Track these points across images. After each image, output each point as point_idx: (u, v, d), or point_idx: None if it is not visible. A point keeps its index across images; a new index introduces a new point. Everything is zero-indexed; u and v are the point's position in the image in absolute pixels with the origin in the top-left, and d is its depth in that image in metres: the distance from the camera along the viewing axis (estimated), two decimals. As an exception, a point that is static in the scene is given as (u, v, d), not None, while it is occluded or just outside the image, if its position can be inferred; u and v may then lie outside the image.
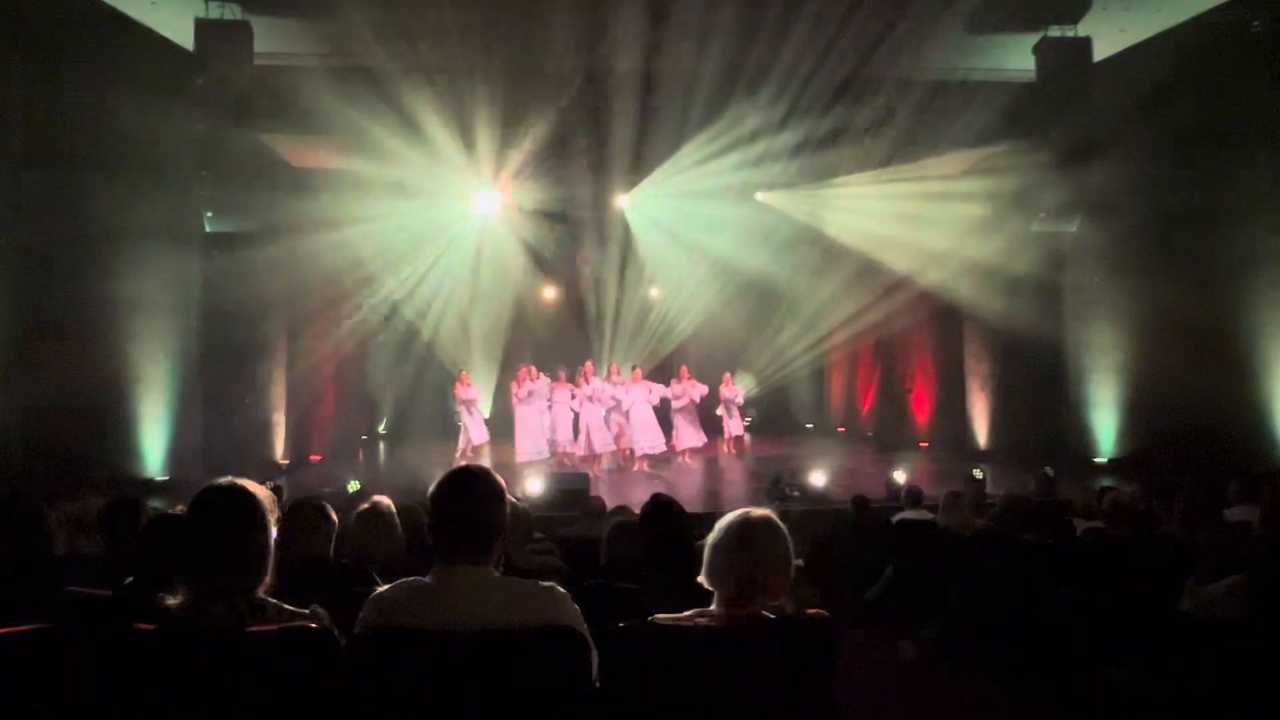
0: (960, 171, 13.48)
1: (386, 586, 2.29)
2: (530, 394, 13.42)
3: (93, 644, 2.14)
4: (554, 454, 13.75)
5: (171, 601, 2.20)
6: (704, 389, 14.24)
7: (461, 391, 13.88)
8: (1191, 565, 3.66)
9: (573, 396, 13.74)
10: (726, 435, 14.92)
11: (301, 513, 3.95)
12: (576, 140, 11.66)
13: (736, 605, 2.36)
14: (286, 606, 2.23)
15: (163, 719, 2.05)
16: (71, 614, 2.58)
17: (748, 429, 17.33)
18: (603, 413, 13.43)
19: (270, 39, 10.41)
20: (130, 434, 10.39)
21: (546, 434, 13.66)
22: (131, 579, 3.14)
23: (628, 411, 13.43)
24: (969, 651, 4.89)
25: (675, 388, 14.03)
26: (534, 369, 13.94)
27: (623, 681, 2.27)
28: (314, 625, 2.17)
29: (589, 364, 14.35)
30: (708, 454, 14.55)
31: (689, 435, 13.96)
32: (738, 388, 15.18)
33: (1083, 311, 12.25)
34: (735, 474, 13.14)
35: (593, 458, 13.32)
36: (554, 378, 14.03)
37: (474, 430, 13.94)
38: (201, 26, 10.08)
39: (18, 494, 3.64)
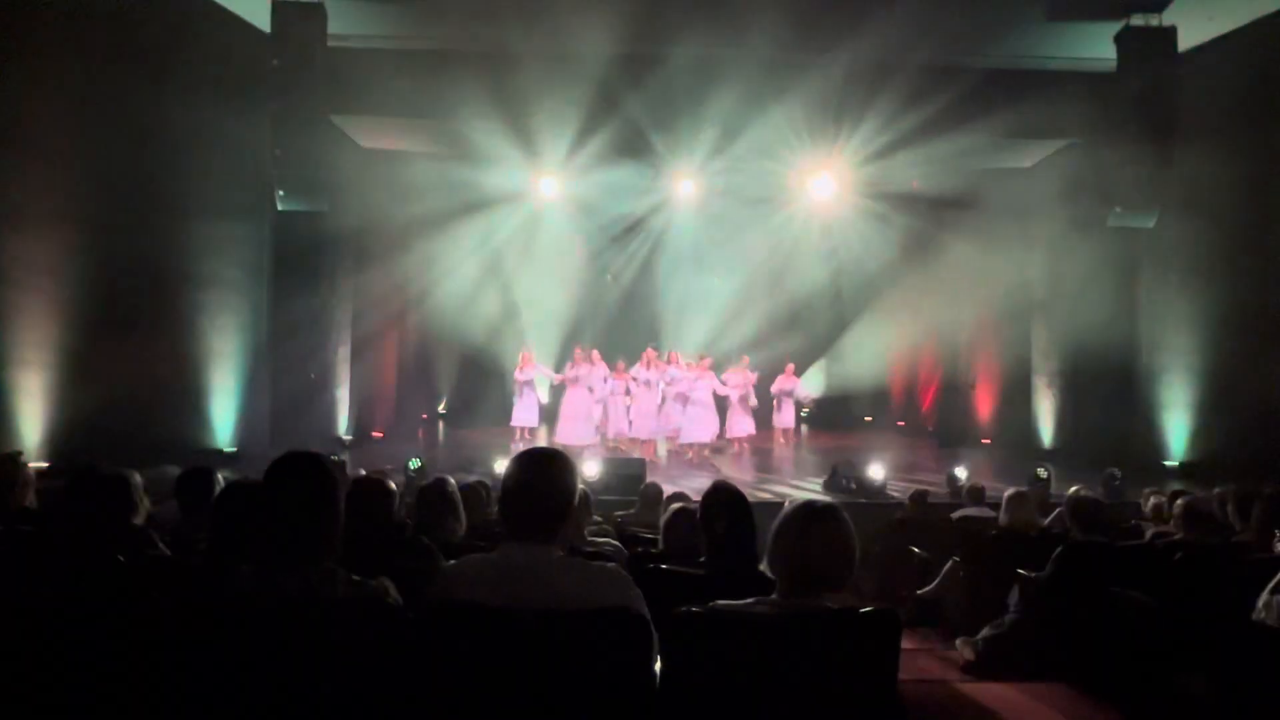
0: (1035, 163, 13.18)
1: (455, 562, 2.32)
2: (577, 378, 13.36)
3: (168, 611, 2.21)
4: (604, 441, 13.78)
5: (245, 569, 2.26)
6: (753, 376, 14.16)
7: (518, 372, 13.99)
8: (1269, 576, 3.54)
9: (631, 384, 13.75)
10: (777, 426, 14.83)
11: (365, 487, 4.04)
12: (641, 127, 11.61)
13: (798, 595, 2.35)
14: (356, 577, 2.28)
15: (237, 685, 2.11)
16: (150, 580, 2.67)
17: (804, 419, 17.31)
18: (660, 396, 13.44)
19: (344, 21, 10.57)
20: (201, 406, 10.67)
21: (594, 420, 13.62)
22: (206, 545, 3.24)
23: (687, 398, 13.42)
24: (1029, 653, 4.80)
25: (733, 376, 13.97)
26: (594, 353, 13.94)
27: (683, 666, 2.28)
28: (384, 596, 2.21)
29: (650, 350, 14.37)
30: (762, 444, 14.49)
31: (742, 423, 13.90)
32: (796, 379, 15.05)
33: (1158, 310, 11.89)
34: (791, 465, 13.05)
35: (643, 444, 13.34)
36: (611, 366, 14.04)
37: (518, 413, 14.00)
38: (278, 8, 10.26)
39: (96, 462, 3.77)
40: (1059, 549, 4.81)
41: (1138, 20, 10.63)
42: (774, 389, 14.87)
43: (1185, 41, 10.70)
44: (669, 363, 13.96)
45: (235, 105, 10.28)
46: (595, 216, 16.26)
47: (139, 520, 3.40)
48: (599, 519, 5.86)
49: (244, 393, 11.01)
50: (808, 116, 11.16)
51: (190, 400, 10.54)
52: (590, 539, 4.62)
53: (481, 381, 16.72)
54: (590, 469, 9.77)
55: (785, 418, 14.90)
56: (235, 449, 10.80)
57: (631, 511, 6.79)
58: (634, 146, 12.30)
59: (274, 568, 2.21)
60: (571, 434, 13.06)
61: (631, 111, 11.39)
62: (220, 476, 4.34)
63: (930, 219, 15.57)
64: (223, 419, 10.85)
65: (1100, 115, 11.20)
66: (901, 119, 11.09)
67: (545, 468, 2.35)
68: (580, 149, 12.15)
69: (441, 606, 2.20)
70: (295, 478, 2.27)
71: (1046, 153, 12.81)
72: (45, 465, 8.37)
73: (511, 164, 13.17)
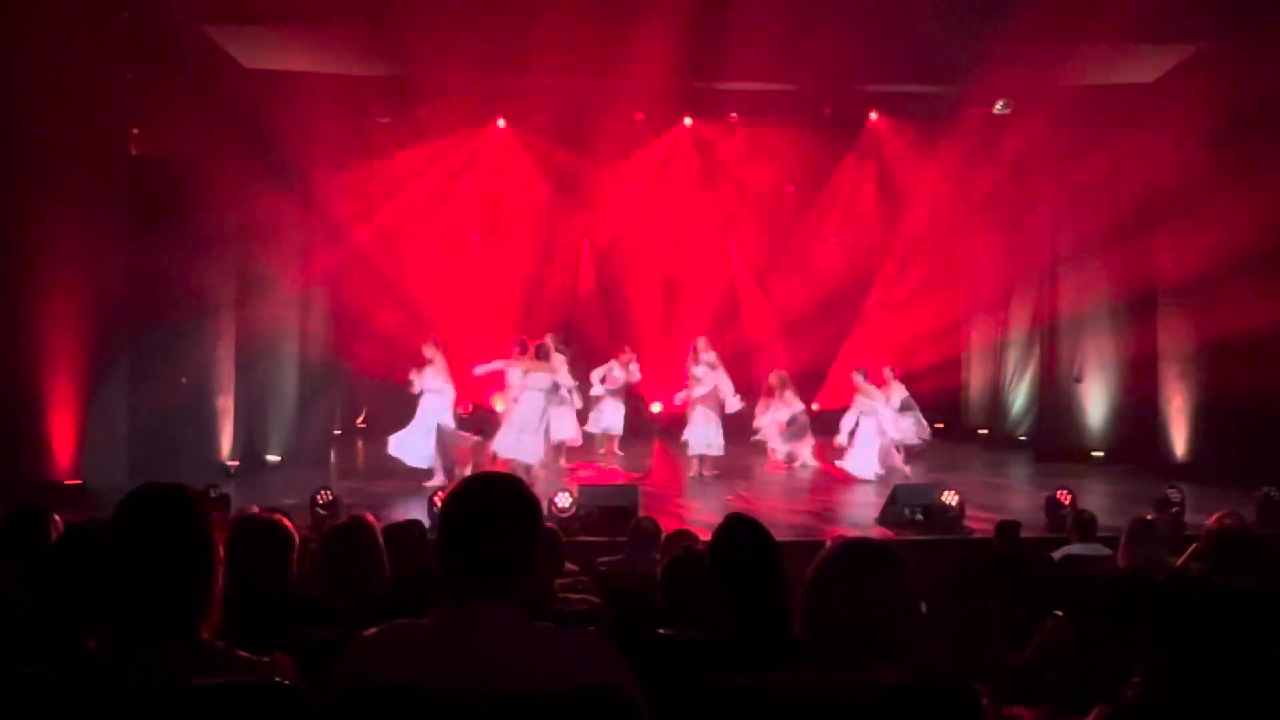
0: (1155, 79, 13.20)
1: (374, 630, 2.32)
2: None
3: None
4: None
5: (89, 644, 2.25)
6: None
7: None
8: None
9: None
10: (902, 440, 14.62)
11: (255, 529, 4.03)
12: (641, 35, 11.47)
13: (844, 665, 2.35)
14: (241, 653, 2.26)
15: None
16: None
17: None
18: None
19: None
20: (30, 423, 10.62)
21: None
22: (37, 614, 3.22)
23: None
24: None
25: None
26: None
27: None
28: (279, 679, 2.20)
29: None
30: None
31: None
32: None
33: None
34: (839, 489, 13.09)
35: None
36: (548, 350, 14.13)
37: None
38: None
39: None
40: (1198, 596, 4.82)
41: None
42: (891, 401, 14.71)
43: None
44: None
45: (73, 14, 10.21)
46: (568, 162, 16.33)
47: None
48: (573, 568, 5.87)
49: (90, 404, 10.95)
50: (864, 32, 11.14)
51: (16, 416, 10.48)
52: (562, 595, 4.62)
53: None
54: (562, 500, 9.78)
55: (907, 428, 14.63)
56: (79, 481, 10.76)
57: (619, 557, 6.80)
58: (622, 60, 12.25)
59: (130, 643, 2.19)
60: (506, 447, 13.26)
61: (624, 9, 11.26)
62: (57, 519, 4.32)
63: (1023, 154, 15.61)
64: (61, 441, 10.80)
65: (1242, 10, 11.21)
66: (985, 23, 11.09)
67: (496, 499, 2.33)
68: (551, 68, 12.12)
69: (357, 690, 2.19)
70: (154, 521, 2.26)
71: (1173, 62, 12.82)
72: None
73: (456, 89, 13.15)
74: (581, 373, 14.91)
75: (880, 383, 14.47)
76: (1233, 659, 4.52)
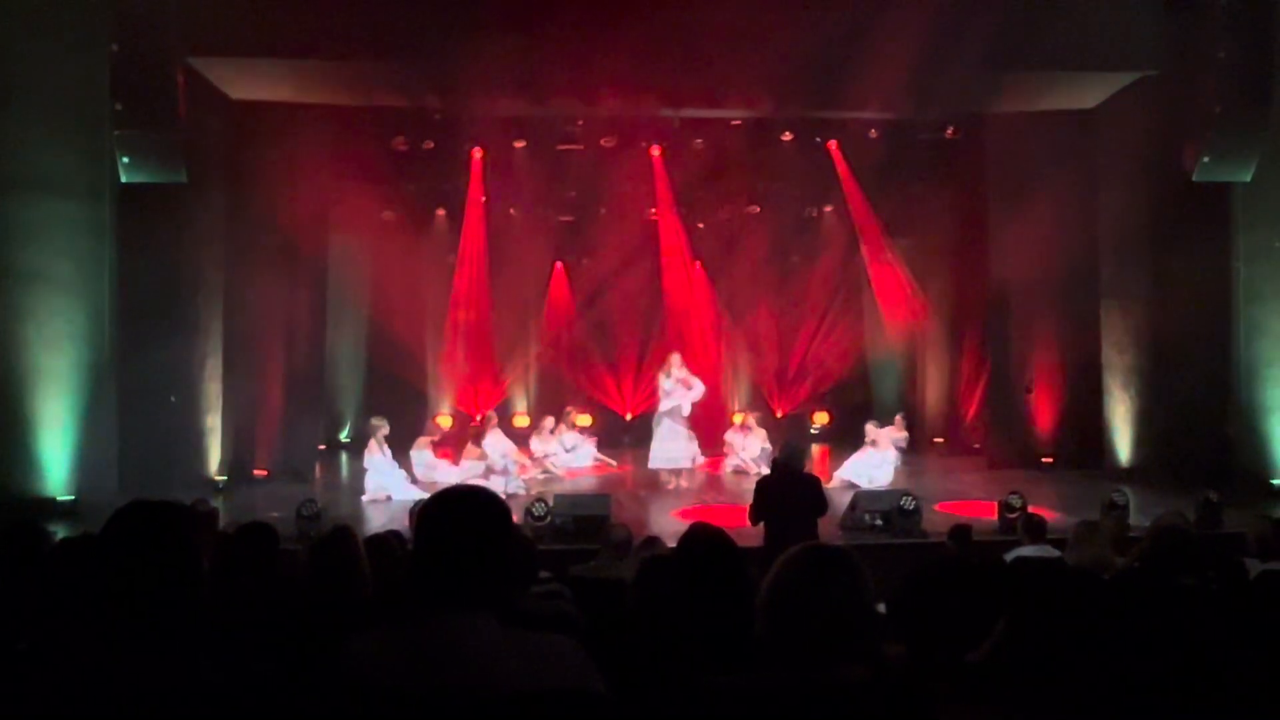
0: (1098, 102, 13.32)
1: (361, 636, 2.32)
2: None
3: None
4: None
5: (85, 656, 2.23)
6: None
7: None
8: None
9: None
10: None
11: (242, 542, 4.01)
12: (614, 68, 11.41)
13: (805, 665, 2.36)
14: (228, 659, 2.25)
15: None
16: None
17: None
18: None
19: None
20: (23, 441, 10.54)
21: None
22: (32, 626, 3.20)
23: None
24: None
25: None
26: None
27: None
28: (269, 684, 2.20)
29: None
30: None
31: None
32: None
33: (1259, 287, 12.06)
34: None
35: None
36: None
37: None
38: (115, -81, 10.19)
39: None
40: (1141, 594, 4.87)
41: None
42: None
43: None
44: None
45: (62, 45, 10.16)
46: (543, 186, 16.32)
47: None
48: (546, 575, 5.86)
49: (82, 423, 10.87)
50: (808, 52, 11.18)
51: (10, 434, 10.39)
52: (538, 601, 4.62)
53: (397, 400, 16.63)
54: (537, 509, 9.77)
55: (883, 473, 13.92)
56: (73, 497, 10.68)
57: (591, 564, 6.80)
58: (598, 92, 12.26)
59: (120, 650, 2.18)
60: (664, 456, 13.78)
61: (597, 46, 11.24)
62: (51, 533, 4.30)
63: (966, 176, 15.73)
64: (55, 458, 10.71)
65: (1183, 40, 11.33)
66: (928, 47, 11.15)
67: (466, 512, 2.34)
68: (524, 96, 12.12)
69: (346, 694, 2.19)
70: (139, 535, 2.25)
71: (1114, 89, 12.95)
72: None
73: (434, 119, 13.10)
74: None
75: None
76: (1173, 649, 4.58)
